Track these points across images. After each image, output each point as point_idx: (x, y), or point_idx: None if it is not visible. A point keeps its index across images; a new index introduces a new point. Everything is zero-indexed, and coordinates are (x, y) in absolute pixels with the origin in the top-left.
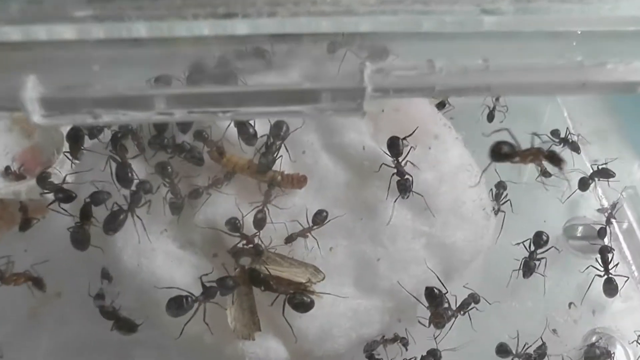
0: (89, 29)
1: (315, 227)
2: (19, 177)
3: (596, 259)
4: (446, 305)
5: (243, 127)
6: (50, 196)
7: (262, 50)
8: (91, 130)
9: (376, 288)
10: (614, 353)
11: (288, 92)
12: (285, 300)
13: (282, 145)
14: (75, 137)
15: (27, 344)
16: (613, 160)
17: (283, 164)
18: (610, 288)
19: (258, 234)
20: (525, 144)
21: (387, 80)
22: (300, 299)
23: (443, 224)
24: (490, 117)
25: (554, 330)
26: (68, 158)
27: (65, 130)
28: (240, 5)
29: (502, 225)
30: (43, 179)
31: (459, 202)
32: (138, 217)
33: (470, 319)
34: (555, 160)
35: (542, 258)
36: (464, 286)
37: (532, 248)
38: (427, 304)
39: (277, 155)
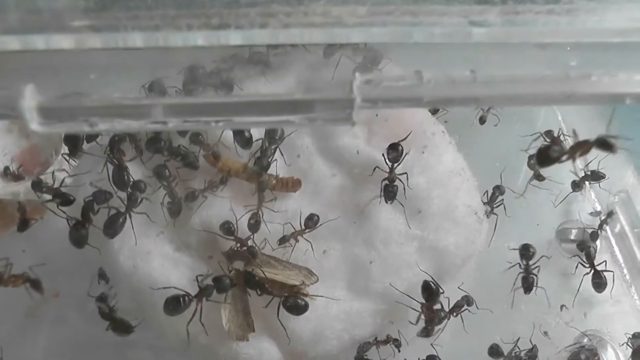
0: (86, 39)
1: (307, 230)
2: (18, 177)
3: (580, 256)
4: (439, 306)
5: (238, 132)
6: (48, 196)
7: (261, 55)
8: (89, 134)
9: (368, 291)
10: (600, 356)
11: (279, 102)
12: (279, 303)
13: (277, 149)
14: (73, 140)
15: (25, 343)
16: (604, 159)
17: (278, 167)
18: (598, 282)
19: (252, 237)
20: (519, 147)
21: (376, 91)
22: (294, 301)
23: (435, 228)
24: (482, 120)
25: (545, 332)
26: (66, 160)
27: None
28: (233, 17)
29: (495, 229)
30: (37, 185)
31: (452, 206)
32: (131, 217)
33: (462, 320)
34: (607, 145)
35: (537, 267)
36: (458, 287)
37: (523, 262)
38: (420, 303)
39: (272, 159)
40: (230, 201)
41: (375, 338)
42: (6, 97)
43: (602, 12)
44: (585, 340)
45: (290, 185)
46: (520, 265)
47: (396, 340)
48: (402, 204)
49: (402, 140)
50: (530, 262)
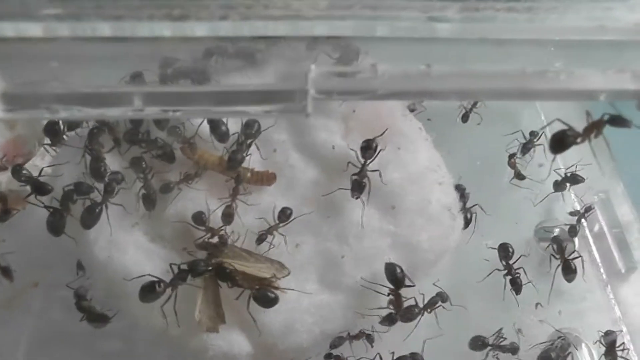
0: (55, 27)
1: (281, 224)
2: (0, 168)
3: (552, 248)
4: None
5: (215, 125)
6: (29, 188)
7: (246, 49)
8: (69, 124)
9: (340, 285)
10: (573, 353)
11: (236, 93)
12: (250, 295)
13: (253, 143)
14: (52, 131)
15: (1, 333)
16: (583, 166)
17: (254, 161)
18: (568, 270)
19: (224, 228)
20: (501, 147)
21: (330, 83)
22: (264, 294)
23: (409, 224)
24: (465, 118)
25: (519, 330)
26: (47, 150)
27: None
28: (194, 8)
29: (475, 226)
30: (17, 172)
31: (425, 202)
32: (107, 208)
33: (436, 317)
34: (620, 121)
35: (520, 267)
36: (433, 284)
37: (504, 262)
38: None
39: (247, 153)
40: (205, 193)
41: (348, 333)
42: None
43: (562, 10)
44: (559, 337)
45: (265, 179)
46: (502, 266)
47: (369, 335)
48: (376, 199)
49: (378, 137)
50: (511, 262)
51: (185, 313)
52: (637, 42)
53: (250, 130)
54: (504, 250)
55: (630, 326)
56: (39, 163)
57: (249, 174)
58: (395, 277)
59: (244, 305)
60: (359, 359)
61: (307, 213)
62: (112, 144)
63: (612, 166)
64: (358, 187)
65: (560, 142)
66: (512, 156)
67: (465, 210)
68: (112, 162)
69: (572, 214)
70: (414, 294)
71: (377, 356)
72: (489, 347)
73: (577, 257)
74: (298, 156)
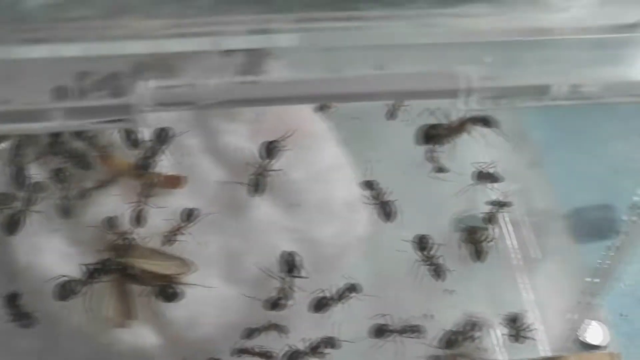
0: None
1: (189, 225)
2: None
3: (467, 237)
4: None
5: (128, 133)
6: None
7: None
8: None
9: (242, 278)
10: (475, 335)
11: (71, 108)
12: (154, 292)
13: (165, 149)
14: None
15: None
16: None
17: (166, 166)
18: (481, 259)
19: (133, 230)
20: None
21: (156, 95)
22: (167, 290)
23: (310, 220)
24: (389, 115)
25: (432, 316)
26: None
27: None
28: (46, 30)
29: (392, 219)
30: None
31: (328, 199)
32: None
33: (348, 307)
34: (489, 122)
35: (441, 256)
36: (343, 276)
37: (422, 253)
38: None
39: (157, 159)
40: (119, 198)
41: (259, 325)
42: None
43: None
44: (467, 322)
45: (176, 182)
46: (421, 256)
47: (279, 326)
48: (279, 197)
49: (282, 139)
50: (431, 253)
51: (97, 311)
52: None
53: (160, 137)
54: (421, 241)
55: (541, 308)
56: None
57: (159, 179)
58: (287, 263)
59: (150, 301)
60: (265, 351)
61: (212, 213)
62: (36, 155)
63: (531, 156)
64: (256, 186)
65: (428, 137)
66: (429, 150)
67: (381, 204)
68: (35, 172)
69: (490, 203)
70: (327, 286)
71: (288, 346)
72: (393, 333)
73: (490, 242)
74: (207, 160)
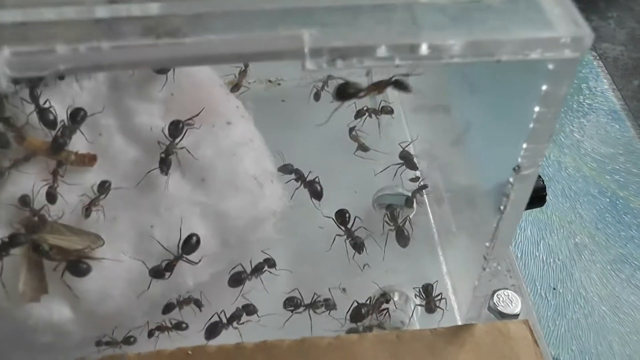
0: None
1: (101, 196)
2: None
3: (387, 215)
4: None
5: (43, 113)
6: None
7: None
8: None
9: (151, 252)
10: (383, 307)
11: None
12: (65, 266)
13: (79, 128)
14: None
15: None
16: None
17: (80, 145)
18: (401, 238)
19: (47, 207)
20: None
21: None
22: (76, 264)
23: (218, 194)
24: (317, 97)
25: (344, 289)
26: None
27: None
28: None
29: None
30: None
31: (234, 174)
32: None
33: (262, 282)
34: (402, 86)
35: (360, 227)
36: (262, 251)
37: (344, 227)
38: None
39: (71, 138)
40: (34, 177)
41: (177, 298)
42: None
43: None
44: (380, 293)
45: (87, 160)
46: (342, 231)
47: (197, 300)
48: (189, 174)
49: (194, 117)
50: (349, 226)
51: (11, 286)
52: None
53: (75, 117)
54: (341, 216)
55: (454, 280)
56: None
57: (72, 157)
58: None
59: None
60: (179, 322)
61: (124, 187)
62: None
63: (454, 134)
64: (164, 163)
65: (342, 93)
66: (352, 129)
67: (307, 184)
68: None
69: (412, 180)
70: (241, 260)
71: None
72: (304, 307)
73: (406, 221)
74: (121, 139)
